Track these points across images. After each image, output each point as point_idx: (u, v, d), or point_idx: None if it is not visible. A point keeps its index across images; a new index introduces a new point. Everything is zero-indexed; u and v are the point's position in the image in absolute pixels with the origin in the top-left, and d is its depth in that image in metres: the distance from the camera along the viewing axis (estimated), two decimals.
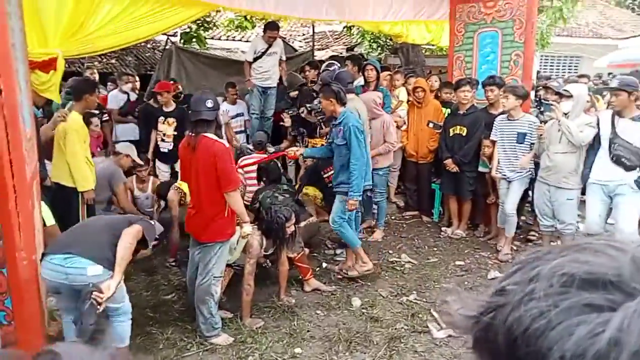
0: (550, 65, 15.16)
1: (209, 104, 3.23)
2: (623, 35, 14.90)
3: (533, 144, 4.62)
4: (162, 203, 5.00)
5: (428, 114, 5.51)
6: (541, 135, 4.46)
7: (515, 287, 0.44)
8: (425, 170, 5.70)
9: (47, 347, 0.53)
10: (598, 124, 4.17)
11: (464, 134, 5.08)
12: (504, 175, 4.75)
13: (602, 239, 0.45)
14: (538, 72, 10.86)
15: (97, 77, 7.05)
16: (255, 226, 3.62)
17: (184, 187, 4.62)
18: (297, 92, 6.36)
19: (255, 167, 4.73)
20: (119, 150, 4.87)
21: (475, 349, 0.46)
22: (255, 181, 4.82)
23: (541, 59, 14.49)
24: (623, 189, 4.01)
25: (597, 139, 4.17)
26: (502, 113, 4.79)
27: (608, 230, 4.30)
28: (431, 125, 5.45)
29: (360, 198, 4.13)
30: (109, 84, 7.28)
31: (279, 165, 4.40)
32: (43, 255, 2.70)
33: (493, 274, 4.43)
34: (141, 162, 5.02)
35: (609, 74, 10.72)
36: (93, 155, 4.55)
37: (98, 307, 2.60)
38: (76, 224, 4.03)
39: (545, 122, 4.73)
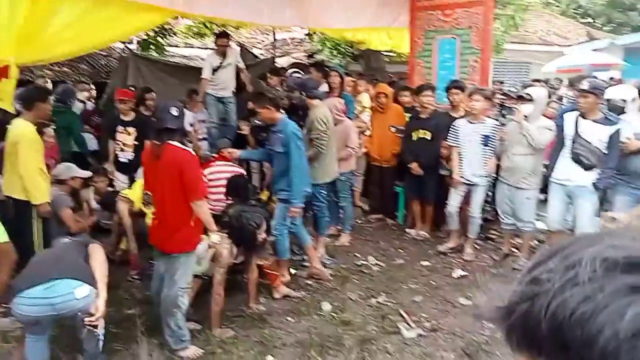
0: (502, 71, 15.75)
1: (174, 111, 3.17)
2: (568, 43, 15.69)
3: (495, 146, 4.76)
4: (105, 214, 4.86)
5: (391, 118, 5.61)
6: (502, 137, 4.63)
7: (551, 275, 0.45)
8: (389, 173, 5.78)
9: None
10: (559, 126, 4.36)
11: (429, 137, 5.18)
12: (468, 180, 4.81)
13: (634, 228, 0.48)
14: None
15: (50, 85, 6.77)
16: (225, 235, 3.56)
17: (131, 194, 4.53)
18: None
19: (220, 175, 4.65)
20: (58, 176, 4.51)
21: (511, 338, 0.47)
22: (220, 189, 4.74)
23: (494, 65, 15.01)
24: (581, 189, 4.19)
25: (561, 139, 4.35)
26: (465, 116, 4.88)
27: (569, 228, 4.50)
28: (393, 129, 5.54)
29: (302, 205, 4.12)
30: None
31: (249, 180, 4.36)
32: (17, 293, 2.50)
33: (458, 273, 4.53)
34: (89, 174, 4.79)
35: (556, 78, 11.25)
36: (48, 167, 4.33)
37: (95, 330, 2.52)
38: (30, 239, 3.86)
39: (505, 125, 4.91)
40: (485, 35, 5.77)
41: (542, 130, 4.40)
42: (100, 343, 2.86)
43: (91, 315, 2.52)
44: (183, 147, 3.18)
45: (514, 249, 4.99)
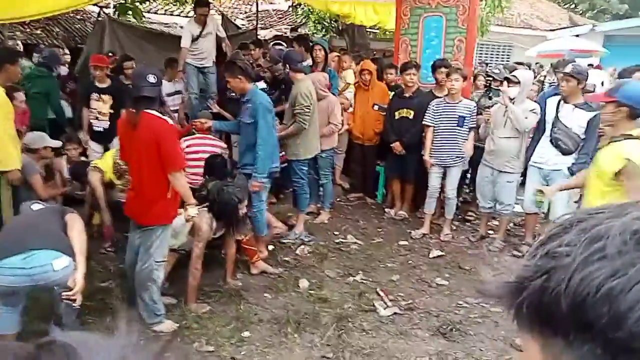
0: (485, 53, 15.78)
1: (151, 79, 3.03)
2: (550, 27, 15.77)
3: (472, 128, 4.76)
4: (77, 185, 4.72)
5: (374, 96, 5.54)
6: (487, 119, 4.62)
7: (571, 249, 0.41)
8: (370, 152, 5.75)
9: (49, 337, 0.44)
10: (542, 110, 4.38)
11: (411, 117, 5.14)
12: (442, 161, 4.82)
13: None
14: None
15: (21, 47, 6.46)
16: (204, 209, 3.48)
17: (102, 164, 4.40)
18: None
19: (199, 148, 4.53)
20: (28, 145, 4.33)
21: (522, 317, 0.43)
22: (198, 162, 4.63)
23: (476, 47, 15.02)
24: (557, 173, 4.25)
25: (542, 123, 4.38)
26: (447, 95, 4.87)
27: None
28: (376, 107, 5.48)
29: (265, 180, 4.01)
30: (35, 55, 6.68)
31: (226, 160, 4.22)
32: None
33: (435, 253, 4.57)
34: (59, 143, 4.61)
35: (537, 63, 11.32)
36: (19, 133, 4.15)
37: (73, 304, 2.46)
38: None
39: (491, 107, 4.90)
40: (471, 15, 5.71)
41: (528, 114, 4.41)
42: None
43: (69, 289, 2.43)
44: (160, 116, 3.06)
45: (490, 232, 5.06)
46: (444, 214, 5.05)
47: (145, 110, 3.01)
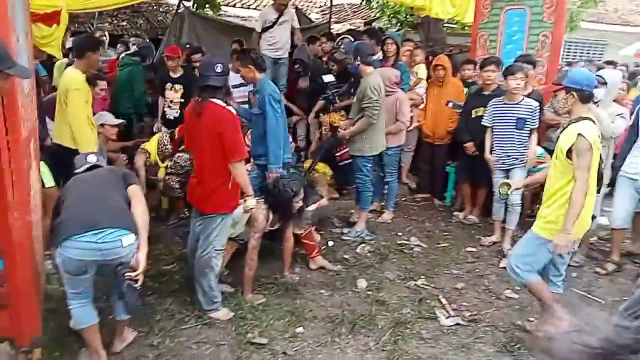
0: (574, 51, 14.67)
1: (218, 68, 3.03)
2: None
3: (533, 130, 4.34)
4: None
5: (448, 93, 5.25)
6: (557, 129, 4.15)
7: None
8: (441, 152, 5.47)
9: None
10: (636, 115, 3.93)
11: None
12: (502, 164, 4.43)
13: None
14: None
15: (107, 38, 6.85)
16: (261, 200, 3.46)
17: (148, 146, 4.64)
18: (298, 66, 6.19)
19: None
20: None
21: None
22: None
23: (564, 44, 14.00)
24: None
25: (635, 130, 3.93)
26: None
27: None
28: (451, 104, 5.19)
29: (281, 170, 3.85)
30: (118, 45, 7.07)
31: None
32: (66, 238, 2.45)
33: (505, 263, 4.25)
34: (118, 121, 4.64)
35: (635, 63, 10.32)
36: None
37: (136, 284, 2.50)
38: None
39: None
40: (559, 9, 5.25)
41: (614, 118, 3.96)
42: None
43: (133, 269, 2.48)
44: (225, 105, 3.05)
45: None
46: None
47: (211, 99, 3.01)
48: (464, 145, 4.92)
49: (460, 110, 5.10)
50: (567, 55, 14.12)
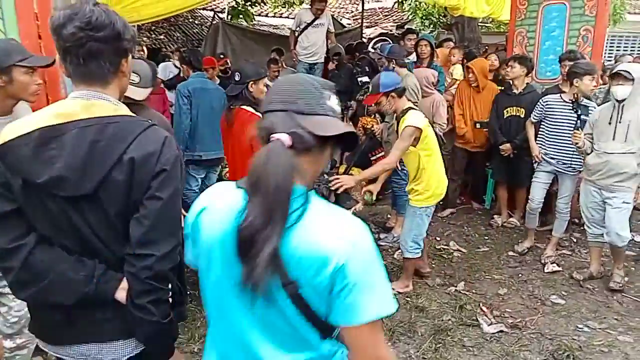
0: (617, 46, 14.06)
1: (236, 77, 3.09)
2: None
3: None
4: None
5: (486, 100, 5.06)
6: (577, 143, 3.74)
7: None
8: (479, 156, 5.31)
9: None
10: None
11: (522, 115, 4.67)
12: (553, 167, 4.18)
13: None
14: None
15: (145, 52, 7.07)
16: None
17: None
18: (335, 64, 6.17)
19: None
20: None
21: None
22: None
23: (607, 38, 13.44)
24: None
25: None
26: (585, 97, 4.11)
27: None
28: (478, 126, 5.04)
29: None
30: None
31: None
32: None
33: (550, 268, 4.10)
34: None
35: None
36: None
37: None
38: None
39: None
40: (601, 1, 5.04)
41: None
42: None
43: None
44: (253, 111, 3.07)
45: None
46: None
47: (241, 107, 3.05)
48: (500, 147, 4.78)
49: (486, 129, 4.95)
50: (611, 50, 13.55)
